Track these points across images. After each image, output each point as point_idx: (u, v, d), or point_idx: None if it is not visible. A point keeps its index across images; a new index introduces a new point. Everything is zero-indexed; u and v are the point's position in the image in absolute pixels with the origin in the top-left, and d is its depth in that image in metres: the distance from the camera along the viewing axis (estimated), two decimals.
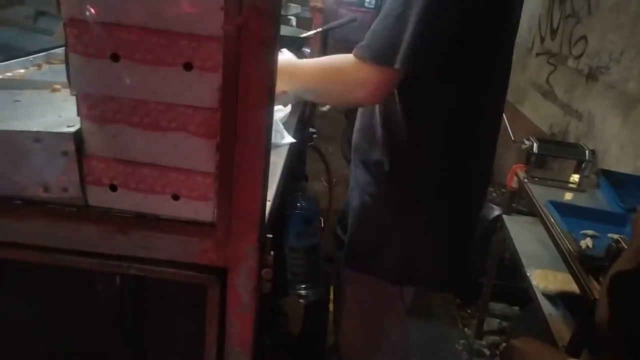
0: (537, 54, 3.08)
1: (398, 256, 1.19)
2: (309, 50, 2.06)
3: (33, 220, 0.71)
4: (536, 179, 1.93)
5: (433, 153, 1.14)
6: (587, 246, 1.44)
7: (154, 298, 0.81)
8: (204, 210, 0.70)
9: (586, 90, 2.40)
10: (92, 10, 0.63)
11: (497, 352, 2.28)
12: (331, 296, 1.59)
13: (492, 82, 1.15)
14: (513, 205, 2.19)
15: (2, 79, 0.99)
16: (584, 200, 1.82)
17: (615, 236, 1.36)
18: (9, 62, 1.07)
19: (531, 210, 2.00)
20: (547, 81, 2.86)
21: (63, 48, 0.65)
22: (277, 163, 1.01)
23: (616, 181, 1.82)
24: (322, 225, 1.74)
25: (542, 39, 3.03)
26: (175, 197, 0.69)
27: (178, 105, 0.66)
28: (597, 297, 1.25)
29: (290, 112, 1.26)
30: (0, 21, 1.53)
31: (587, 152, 1.95)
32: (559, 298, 1.65)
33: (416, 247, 1.19)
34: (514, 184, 2.03)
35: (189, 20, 0.63)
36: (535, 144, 1.96)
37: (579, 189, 1.90)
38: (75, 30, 0.64)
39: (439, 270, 1.24)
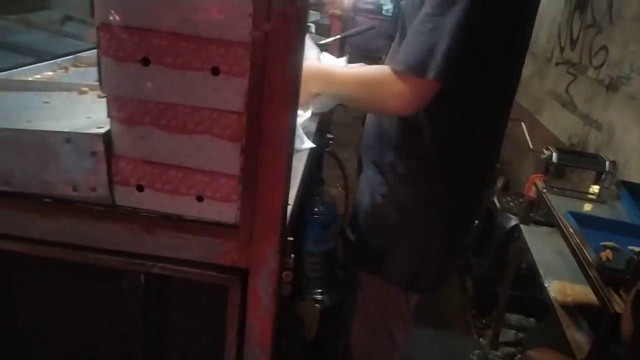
0: (557, 64, 3.06)
1: (406, 258, 1.21)
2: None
3: (61, 218, 0.73)
4: (555, 189, 1.92)
5: (447, 157, 1.16)
6: (607, 258, 1.42)
7: (176, 297, 0.82)
8: (228, 212, 0.71)
9: (606, 101, 2.38)
10: (124, 16, 0.65)
11: None
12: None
13: (506, 87, 1.17)
14: (531, 215, 2.17)
15: (31, 81, 1.02)
16: (603, 212, 1.80)
17: (636, 249, 1.34)
18: (37, 64, 1.09)
19: (549, 221, 1.98)
20: (567, 91, 2.84)
21: (89, 51, 0.67)
22: (297, 167, 1.02)
23: (637, 193, 1.80)
24: (338, 231, 1.74)
25: (562, 49, 3.00)
26: (200, 199, 0.71)
27: (204, 109, 0.67)
28: (617, 310, 1.23)
29: (310, 118, 1.27)
30: (29, 25, 1.56)
31: (607, 163, 1.92)
32: (577, 310, 1.63)
33: (423, 250, 1.21)
34: (532, 193, 2.01)
35: (218, 26, 0.64)
36: (554, 154, 1.95)
37: (599, 200, 1.88)
38: (108, 35, 0.65)
39: (438, 273, 1.27)
